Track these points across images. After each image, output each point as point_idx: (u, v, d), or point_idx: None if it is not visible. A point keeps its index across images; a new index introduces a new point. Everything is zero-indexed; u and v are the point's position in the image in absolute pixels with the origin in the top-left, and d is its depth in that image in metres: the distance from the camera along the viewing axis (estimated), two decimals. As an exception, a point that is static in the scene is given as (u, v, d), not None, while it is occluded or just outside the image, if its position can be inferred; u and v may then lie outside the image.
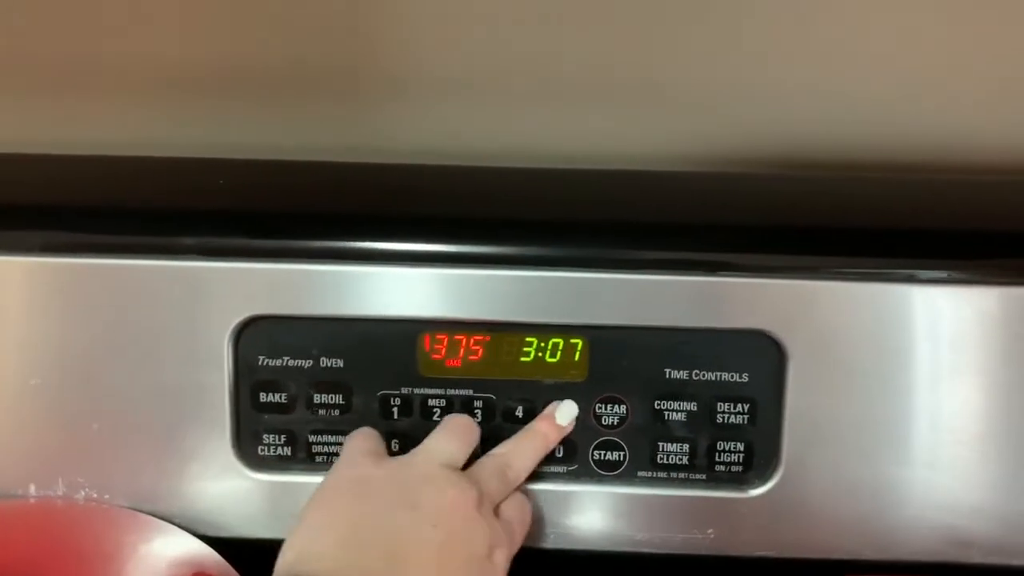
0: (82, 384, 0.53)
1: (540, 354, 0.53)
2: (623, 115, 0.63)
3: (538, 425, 0.52)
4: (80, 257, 0.52)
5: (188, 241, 0.52)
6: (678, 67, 0.62)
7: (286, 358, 0.53)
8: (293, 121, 0.64)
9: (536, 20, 0.61)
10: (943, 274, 0.52)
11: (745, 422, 0.53)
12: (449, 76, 0.63)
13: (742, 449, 0.53)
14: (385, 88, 0.63)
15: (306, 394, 0.53)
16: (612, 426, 0.53)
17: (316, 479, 0.53)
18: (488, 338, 0.53)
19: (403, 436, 0.54)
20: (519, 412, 0.54)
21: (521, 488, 0.51)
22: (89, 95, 0.63)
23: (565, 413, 0.52)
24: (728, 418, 0.53)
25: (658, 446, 0.53)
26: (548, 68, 0.62)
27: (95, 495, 0.54)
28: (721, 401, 0.53)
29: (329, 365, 0.53)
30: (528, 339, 0.53)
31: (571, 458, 0.54)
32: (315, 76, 0.63)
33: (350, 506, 0.46)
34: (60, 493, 0.54)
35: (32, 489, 0.54)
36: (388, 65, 0.62)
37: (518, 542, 0.49)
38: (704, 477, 0.54)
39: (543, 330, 0.53)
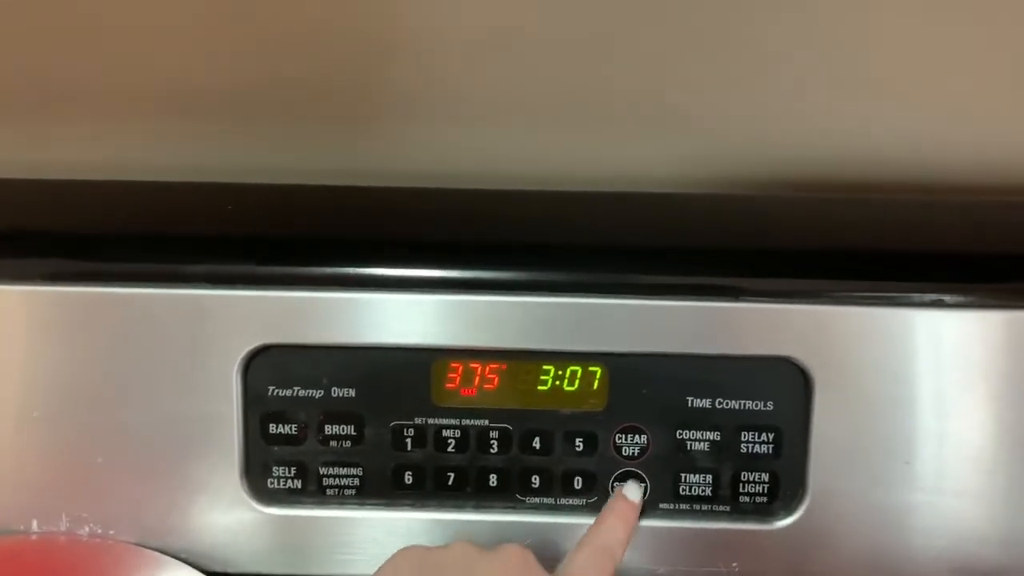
0: (86, 417, 0.51)
1: (558, 383, 0.52)
2: (635, 138, 0.62)
3: (617, 506, 0.50)
4: (83, 286, 0.50)
5: (195, 269, 0.50)
6: (691, 90, 0.61)
7: (296, 388, 0.52)
8: (297, 144, 0.63)
9: (547, 44, 0.60)
10: (972, 299, 0.50)
11: (770, 452, 0.51)
12: (458, 99, 0.61)
13: (767, 480, 0.52)
14: (392, 111, 0.62)
15: (317, 425, 0.52)
16: (632, 457, 0.52)
17: (327, 512, 0.52)
18: (504, 366, 0.52)
19: (416, 468, 0.52)
20: (536, 443, 0.52)
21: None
22: (90, 117, 0.62)
23: (632, 491, 0.51)
24: (752, 448, 0.52)
25: (680, 477, 0.52)
26: (560, 92, 0.61)
27: (99, 530, 0.52)
28: (745, 430, 0.51)
29: (340, 395, 0.52)
30: (545, 367, 0.52)
31: (590, 490, 0.52)
32: (321, 99, 0.62)
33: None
34: (63, 528, 0.52)
35: (35, 525, 0.52)
36: (396, 88, 0.61)
37: None
38: (728, 509, 0.52)
39: (561, 358, 0.51)
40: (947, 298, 0.50)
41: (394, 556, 0.46)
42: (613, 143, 0.62)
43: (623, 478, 0.52)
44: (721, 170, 0.62)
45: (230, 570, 0.53)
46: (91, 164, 0.60)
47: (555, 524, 0.52)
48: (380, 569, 0.46)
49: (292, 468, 0.52)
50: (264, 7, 0.59)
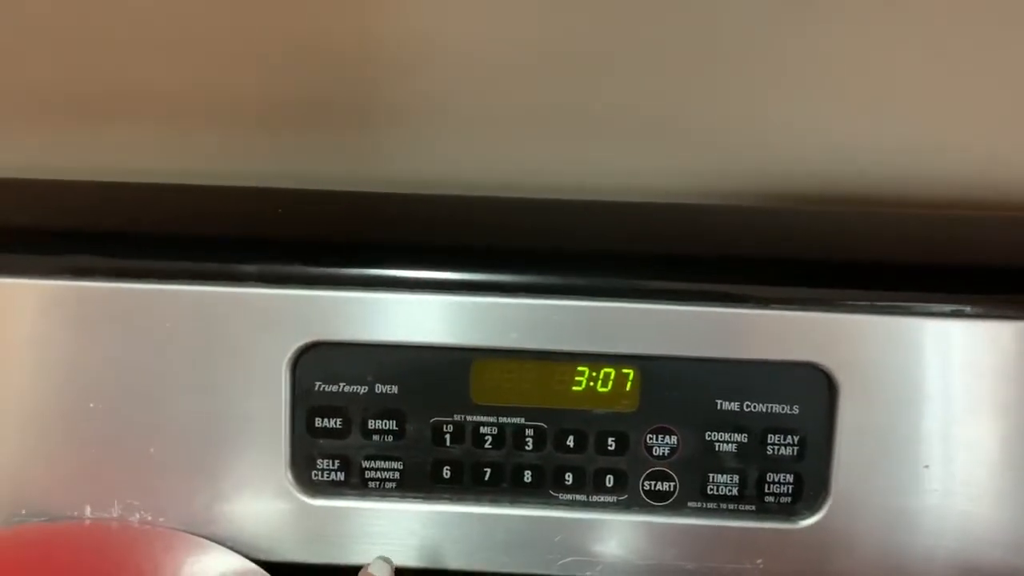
0: (140, 408, 0.54)
1: (592, 384, 0.54)
2: (644, 149, 0.64)
3: None
4: (144, 283, 0.53)
5: (249, 268, 0.52)
6: (703, 103, 0.62)
7: (342, 384, 0.54)
8: (314, 152, 0.65)
9: (552, 54, 0.61)
10: (992, 309, 0.52)
11: (795, 454, 0.53)
12: (480, 109, 0.63)
13: (791, 481, 0.54)
14: (406, 119, 0.64)
15: (361, 420, 0.54)
16: (663, 456, 0.54)
17: (368, 504, 0.55)
18: (540, 367, 0.54)
19: (454, 463, 0.54)
20: (570, 442, 0.54)
21: None
22: (139, 125, 0.64)
23: (379, 571, 0.50)
24: (778, 450, 0.53)
25: (708, 477, 0.54)
26: (580, 103, 0.63)
27: (150, 518, 0.54)
28: (771, 433, 0.53)
29: (384, 391, 0.54)
30: (580, 368, 0.54)
31: (621, 488, 0.54)
32: (332, 105, 0.64)
33: None
34: (115, 515, 0.54)
35: (88, 511, 0.55)
36: (408, 96, 0.63)
37: None
38: (754, 508, 0.54)
39: (595, 360, 0.53)
40: (968, 308, 0.52)
41: None
42: (624, 155, 0.64)
43: (653, 477, 0.54)
44: (737, 184, 0.64)
45: (273, 558, 0.55)
46: (116, 168, 0.63)
47: (587, 520, 0.54)
48: None
49: (336, 461, 0.54)
50: (285, 22, 0.61)
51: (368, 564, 0.50)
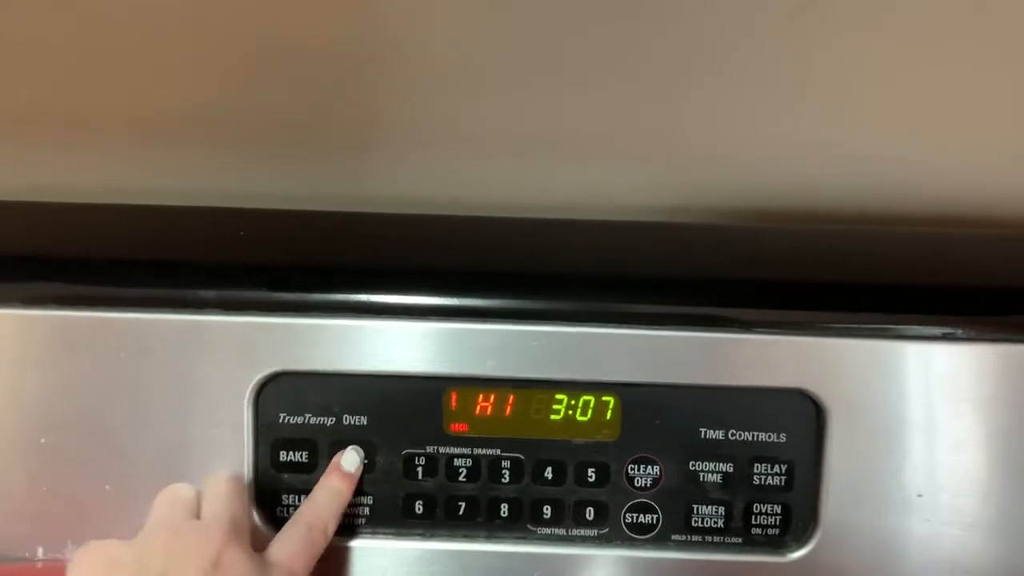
0: (94, 443, 0.51)
1: (570, 412, 0.51)
2: (633, 167, 0.62)
3: (328, 481, 0.50)
4: (94, 311, 0.50)
5: (208, 295, 0.50)
6: (686, 120, 0.61)
7: (308, 415, 0.51)
8: (295, 171, 0.63)
9: (547, 71, 0.60)
10: (985, 332, 0.50)
11: (782, 484, 0.51)
12: (456, 128, 0.62)
13: (779, 512, 0.52)
14: (391, 139, 0.62)
15: (328, 453, 0.51)
16: (645, 488, 0.52)
17: (337, 542, 0.52)
18: (516, 395, 0.51)
19: (427, 497, 0.52)
20: (548, 473, 0.52)
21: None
22: (98, 143, 0.62)
23: (350, 459, 0.51)
24: (765, 479, 0.51)
25: (693, 508, 0.52)
26: (559, 121, 0.61)
27: (106, 558, 0.52)
28: (758, 462, 0.51)
29: (352, 423, 0.51)
30: (558, 396, 0.51)
31: (602, 521, 0.52)
32: (320, 126, 0.62)
33: None
34: (69, 556, 0.51)
35: (40, 552, 0.52)
36: (396, 117, 0.61)
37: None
38: (740, 540, 0.52)
39: (574, 387, 0.51)
40: (960, 332, 0.50)
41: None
42: (610, 172, 0.62)
43: (635, 509, 0.52)
44: (721, 201, 0.63)
45: (238, 599, 0.52)
46: (96, 189, 0.61)
47: (566, 555, 0.52)
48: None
49: (303, 496, 0.51)
50: (264, 38, 0.59)
51: (341, 453, 0.51)
